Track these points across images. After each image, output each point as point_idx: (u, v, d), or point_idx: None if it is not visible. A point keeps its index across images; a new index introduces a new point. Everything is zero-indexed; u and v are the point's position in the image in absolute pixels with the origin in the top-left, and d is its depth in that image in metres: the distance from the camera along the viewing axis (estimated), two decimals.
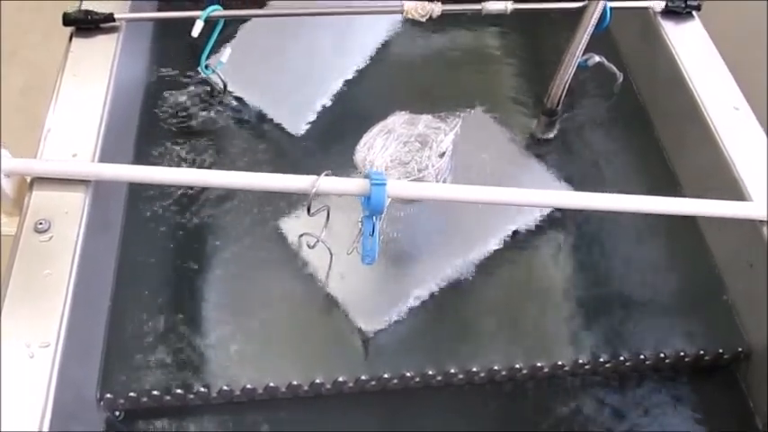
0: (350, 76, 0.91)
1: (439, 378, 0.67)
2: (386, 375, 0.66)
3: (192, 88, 0.86)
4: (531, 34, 0.97)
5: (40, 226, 0.63)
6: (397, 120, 0.78)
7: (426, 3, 0.81)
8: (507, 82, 0.93)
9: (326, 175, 0.66)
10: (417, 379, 0.67)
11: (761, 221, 0.68)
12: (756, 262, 0.70)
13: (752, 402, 0.69)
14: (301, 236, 0.75)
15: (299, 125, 0.85)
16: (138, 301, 0.69)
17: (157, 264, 0.73)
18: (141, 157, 0.79)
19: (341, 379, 0.66)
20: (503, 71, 0.94)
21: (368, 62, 0.93)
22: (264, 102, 0.87)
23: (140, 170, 0.66)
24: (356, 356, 0.68)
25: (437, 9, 0.81)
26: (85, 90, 0.74)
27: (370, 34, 0.96)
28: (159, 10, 0.88)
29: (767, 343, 0.68)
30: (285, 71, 0.91)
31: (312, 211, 0.67)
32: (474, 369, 0.67)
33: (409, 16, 0.81)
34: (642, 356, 0.69)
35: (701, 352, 0.69)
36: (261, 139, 0.84)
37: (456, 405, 0.68)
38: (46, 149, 0.69)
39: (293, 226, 0.76)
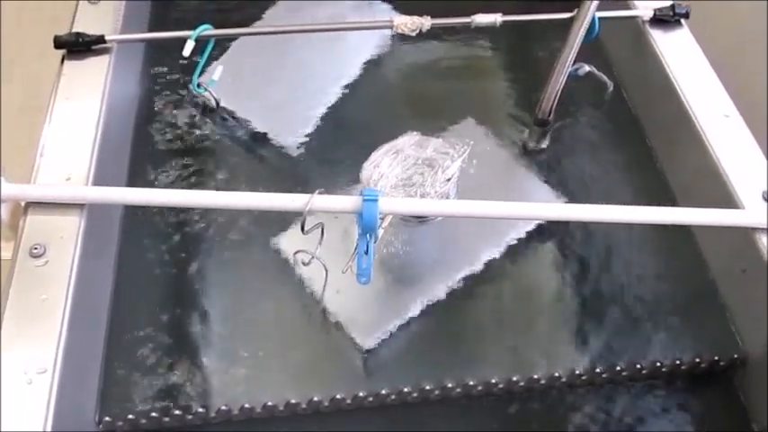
0: (342, 91, 0.92)
1: (437, 392, 0.67)
2: (384, 391, 0.67)
3: (184, 107, 0.87)
4: (521, 45, 0.97)
5: (35, 251, 0.63)
6: (408, 140, 0.79)
7: (416, 17, 0.81)
8: (498, 93, 0.93)
9: (319, 193, 0.66)
10: (415, 394, 0.67)
11: (752, 228, 0.69)
12: (750, 268, 0.70)
13: (748, 409, 0.69)
14: (296, 253, 0.75)
15: (293, 141, 0.86)
16: (134, 324, 0.69)
17: (153, 286, 0.73)
18: (136, 179, 0.79)
19: (339, 396, 0.66)
20: (494, 82, 0.94)
21: (359, 77, 0.93)
22: (258, 119, 0.88)
23: (134, 193, 0.67)
24: (354, 373, 0.69)
25: (427, 23, 0.81)
26: (78, 113, 0.74)
27: (360, 49, 0.96)
28: (150, 30, 0.89)
29: (763, 349, 0.68)
30: (278, 88, 0.92)
31: (306, 228, 0.67)
32: (471, 383, 0.67)
33: (399, 31, 0.81)
34: (638, 366, 0.69)
35: (697, 359, 0.70)
36: (256, 156, 0.85)
37: (455, 419, 0.69)
38: (40, 173, 0.69)
39: (289, 243, 0.76)
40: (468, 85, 0.94)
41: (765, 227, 0.68)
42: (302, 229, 0.67)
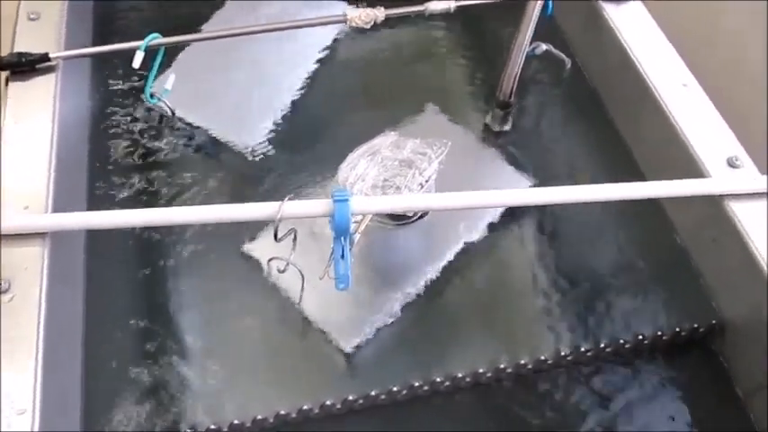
0: (299, 90, 0.90)
1: (426, 388, 0.67)
2: (373, 393, 0.66)
3: (139, 120, 0.84)
4: (476, 29, 0.97)
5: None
6: (385, 141, 0.77)
7: (369, 9, 0.80)
8: (458, 78, 0.93)
9: (289, 199, 0.65)
10: (404, 392, 0.67)
11: (720, 196, 0.70)
12: (719, 236, 0.71)
13: (730, 372, 0.70)
14: (270, 260, 0.74)
15: (255, 145, 0.84)
16: (111, 350, 0.67)
17: (126, 308, 0.71)
18: (96, 200, 0.76)
19: (328, 402, 0.65)
20: (452, 68, 0.94)
21: (316, 73, 0.92)
22: (216, 125, 0.85)
23: (97, 216, 0.64)
24: (340, 376, 0.68)
25: (380, 15, 0.80)
26: (29, 136, 0.71)
27: (314, 44, 0.95)
28: (95, 43, 0.85)
29: (739, 313, 0.70)
30: (232, 90, 0.90)
31: (279, 235, 0.66)
32: (459, 374, 0.67)
33: (354, 24, 0.80)
34: (621, 341, 0.70)
35: (678, 329, 0.71)
36: (218, 164, 0.83)
37: (445, 412, 0.68)
38: None
39: (261, 251, 0.75)
40: (427, 72, 0.94)
41: (732, 193, 0.69)
42: (275, 237, 0.66)
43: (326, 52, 0.94)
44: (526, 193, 0.67)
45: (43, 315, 0.60)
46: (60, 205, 0.67)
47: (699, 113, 0.76)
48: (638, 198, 0.70)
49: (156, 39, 0.77)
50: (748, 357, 0.68)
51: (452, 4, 0.81)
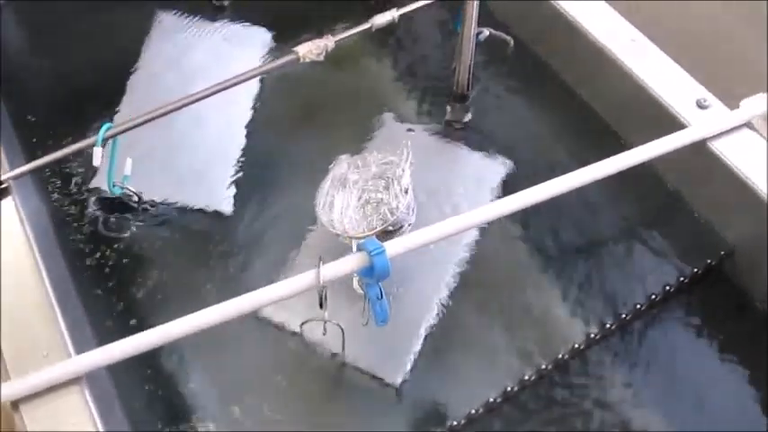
0: (253, 133, 0.87)
1: (500, 399, 0.68)
2: (454, 422, 0.66)
3: (110, 216, 0.78)
4: (417, 32, 0.95)
5: None
6: (344, 167, 0.75)
7: (317, 41, 0.77)
8: (406, 82, 0.92)
9: (323, 263, 0.63)
10: (481, 410, 0.67)
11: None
12: (708, 174, 0.75)
13: (747, 291, 0.75)
14: (303, 324, 0.71)
15: (227, 203, 0.81)
16: None
17: (170, 414, 0.67)
18: (100, 320, 0.70)
19: None
20: (396, 74, 0.93)
21: (264, 111, 0.89)
22: (185, 195, 0.81)
23: (130, 343, 0.59)
24: (411, 414, 0.68)
25: (330, 43, 0.77)
26: (18, 279, 0.64)
27: (255, 84, 0.90)
28: (28, 149, 0.77)
29: (745, 235, 0.74)
30: (184, 153, 0.85)
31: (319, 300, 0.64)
32: (526, 376, 0.69)
33: (307, 60, 0.77)
34: (653, 296, 0.73)
35: (695, 269, 0.75)
36: (202, 234, 0.79)
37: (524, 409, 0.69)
38: (12, 363, 0.59)
39: (275, 310, 0.72)
40: (373, 82, 0.92)
41: (716, 134, 0.73)
42: (321, 305, 0.64)
43: (267, 87, 0.90)
44: (539, 190, 0.68)
45: None
46: (78, 342, 0.62)
47: (655, 64, 0.79)
48: (630, 166, 0.72)
49: (109, 129, 0.71)
50: (761, 274, 0.74)
51: (396, 14, 0.79)
